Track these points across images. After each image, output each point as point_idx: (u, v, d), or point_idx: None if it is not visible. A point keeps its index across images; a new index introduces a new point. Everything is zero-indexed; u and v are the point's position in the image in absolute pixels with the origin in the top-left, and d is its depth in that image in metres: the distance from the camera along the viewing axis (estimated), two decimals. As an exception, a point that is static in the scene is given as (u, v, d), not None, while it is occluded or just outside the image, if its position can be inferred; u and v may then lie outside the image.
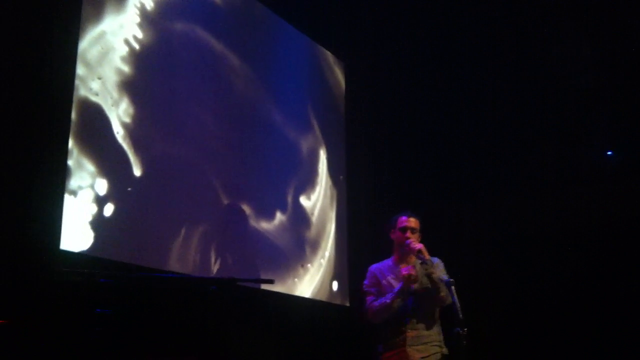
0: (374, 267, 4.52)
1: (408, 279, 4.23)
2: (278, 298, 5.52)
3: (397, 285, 4.31)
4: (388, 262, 4.52)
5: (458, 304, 3.83)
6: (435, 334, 4.28)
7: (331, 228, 6.42)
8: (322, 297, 6.10)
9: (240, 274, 5.08)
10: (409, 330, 4.25)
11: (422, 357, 4.19)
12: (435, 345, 4.23)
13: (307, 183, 6.19)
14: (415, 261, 4.32)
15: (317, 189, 6.31)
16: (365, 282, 4.49)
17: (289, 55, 6.26)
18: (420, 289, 4.28)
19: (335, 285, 6.29)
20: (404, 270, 4.27)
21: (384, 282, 4.41)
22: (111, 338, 3.96)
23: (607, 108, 6.45)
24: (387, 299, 4.27)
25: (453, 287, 3.91)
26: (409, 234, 4.36)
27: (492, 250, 6.50)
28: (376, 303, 4.33)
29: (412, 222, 4.41)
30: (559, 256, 6.27)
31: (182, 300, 4.41)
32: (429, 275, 4.18)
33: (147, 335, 4.25)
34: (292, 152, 6.09)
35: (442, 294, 4.14)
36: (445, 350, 4.22)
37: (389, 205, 6.68)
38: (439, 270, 4.28)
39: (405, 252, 4.38)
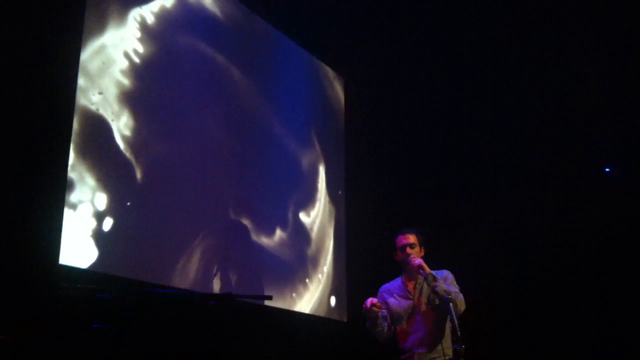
0: (382, 289, 4.53)
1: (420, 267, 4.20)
2: (276, 313, 5.48)
3: (404, 303, 4.35)
4: (397, 281, 4.50)
5: (456, 321, 3.91)
6: (443, 349, 4.22)
7: (330, 244, 6.39)
8: (321, 312, 6.06)
9: (240, 290, 5.06)
10: (416, 348, 4.27)
11: None
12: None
13: (307, 199, 6.16)
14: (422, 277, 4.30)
15: (317, 205, 6.28)
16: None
17: (289, 70, 6.25)
18: (427, 306, 4.28)
19: (333, 301, 6.25)
20: (415, 262, 4.22)
21: (390, 300, 4.41)
22: (110, 354, 3.92)
23: (611, 115, 6.45)
24: (367, 323, 4.32)
25: (451, 305, 3.99)
26: (408, 250, 4.34)
27: (495, 269, 6.49)
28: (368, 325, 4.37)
29: (409, 237, 4.38)
30: (559, 259, 6.30)
31: (182, 315, 4.37)
32: (434, 289, 4.16)
33: (146, 350, 4.20)
34: (293, 168, 6.07)
35: (457, 303, 4.12)
36: None
37: (387, 221, 6.68)
38: (449, 282, 4.26)
39: (411, 270, 4.34)
